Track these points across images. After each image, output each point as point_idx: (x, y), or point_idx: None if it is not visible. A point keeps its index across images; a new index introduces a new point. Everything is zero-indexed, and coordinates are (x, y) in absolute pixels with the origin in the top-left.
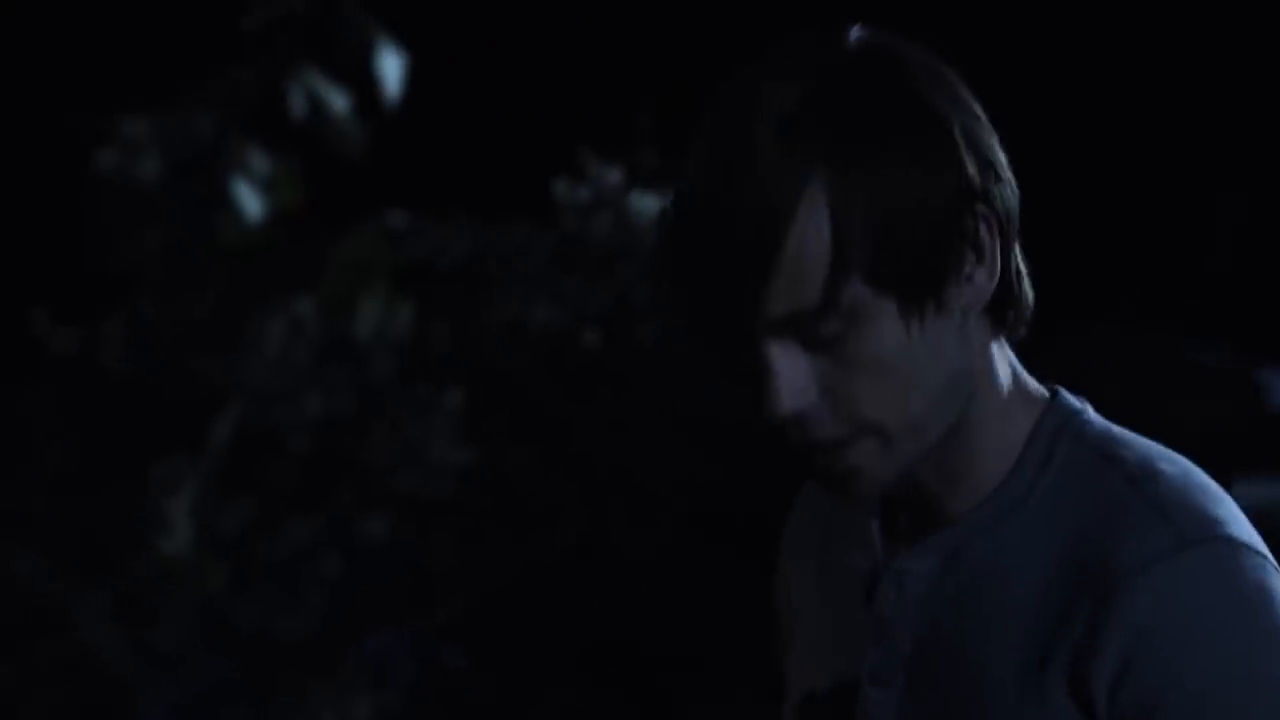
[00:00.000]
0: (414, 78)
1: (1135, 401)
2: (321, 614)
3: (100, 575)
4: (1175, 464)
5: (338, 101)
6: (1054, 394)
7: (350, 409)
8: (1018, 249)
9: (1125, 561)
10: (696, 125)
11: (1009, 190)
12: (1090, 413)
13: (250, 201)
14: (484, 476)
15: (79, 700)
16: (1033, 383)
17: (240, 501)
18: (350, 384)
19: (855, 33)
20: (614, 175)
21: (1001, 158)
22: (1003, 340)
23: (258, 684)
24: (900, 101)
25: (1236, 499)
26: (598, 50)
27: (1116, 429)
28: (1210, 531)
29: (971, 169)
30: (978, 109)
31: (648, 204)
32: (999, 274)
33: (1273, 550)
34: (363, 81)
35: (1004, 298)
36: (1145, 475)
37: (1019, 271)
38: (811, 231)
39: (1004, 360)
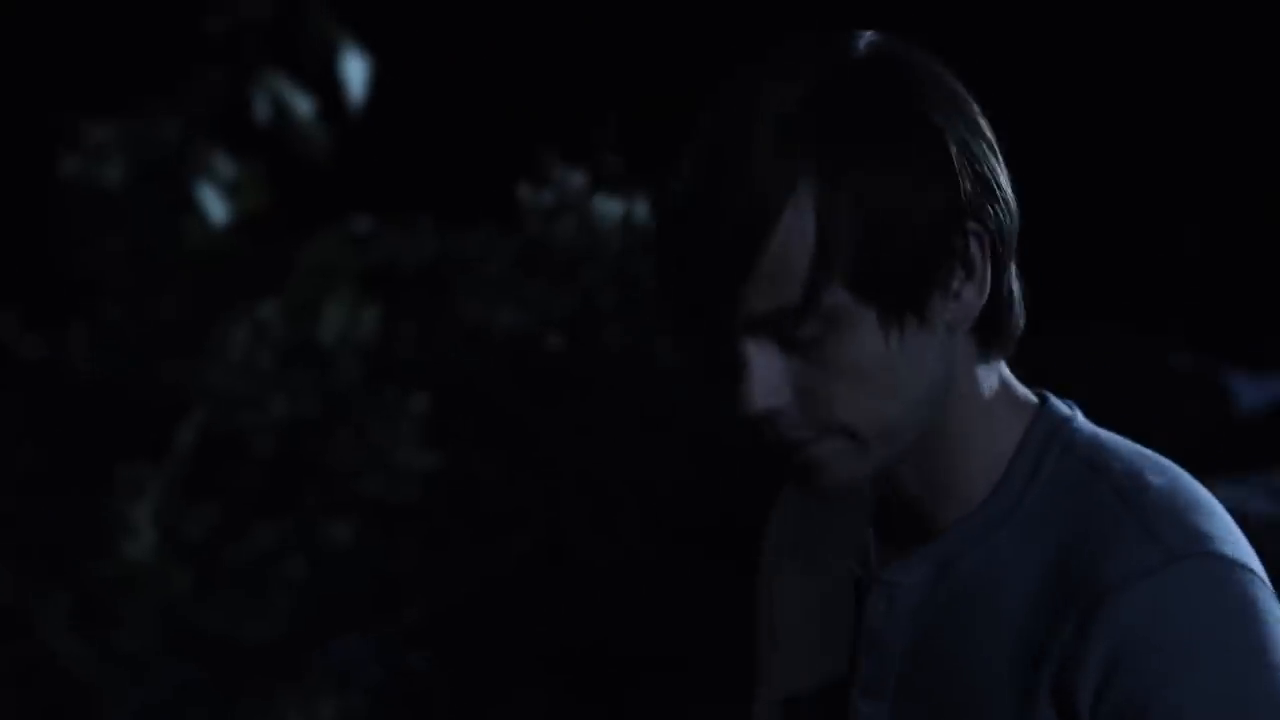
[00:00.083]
0: (378, 82)
1: (1105, 405)
2: (286, 618)
3: (63, 579)
4: (1164, 474)
5: (302, 106)
6: (1043, 400)
7: (315, 413)
8: (1013, 270)
9: (1111, 575)
10: (696, 117)
11: (1006, 210)
12: (1079, 419)
13: (215, 206)
14: (449, 481)
15: (41, 704)
16: (1022, 390)
17: (204, 506)
18: (315, 388)
19: (865, 38)
20: (577, 179)
21: (1002, 176)
22: (991, 357)
23: (222, 688)
24: (898, 111)
25: None
26: (561, 54)
27: (1105, 435)
28: (1197, 547)
29: (966, 184)
30: (983, 125)
31: (611, 208)
32: (988, 292)
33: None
34: (327, 86)
35: (993, 317)
36: (1134, 488)
37: (1011, 292)
38: (797, 231)
39: (991, 373)
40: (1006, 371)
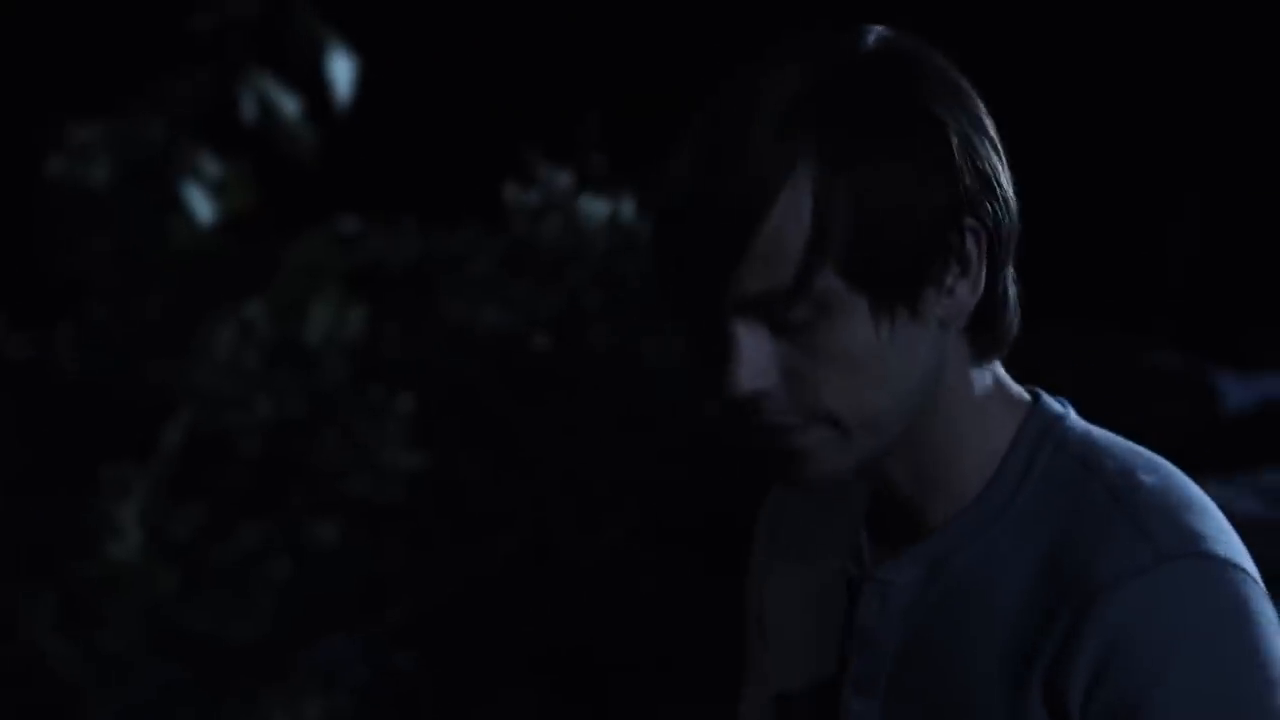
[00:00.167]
0: (364, 82)
1: (1091, 404)
2: (272, 618)
3: (49, 579)
4: (1157, 473)
5: (288, 105)
6: (1036, 398)
7: (301, 413)
8: (1010, 272)
9: (1103, 575)
10: (700, 103)
11: (1005, 208)
12: (1072, 417)
13: (201, 206)
14: (434, 481)
15: (27, 705)
16: (1015, 387)
17: (190, 506)
18: (301, 388)
19: (874, 31)
20: (563, 179)
21: (1003, 175)
22: (984, 357)
23: (208, 688)
24: (903, 103)
25: None
26: (546, 54)
27: (1098, 433)
28: (1190, 546)
29: (966, 180)
30: (987, 123)
31: (597, 208)
32: (983, 290)
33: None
34: (313, 85)
35: (987, 316)
36: (1126, 486)
37: (1007, 294)
38: (793, 213)
39: (984, 372)
40: (1000, 369)
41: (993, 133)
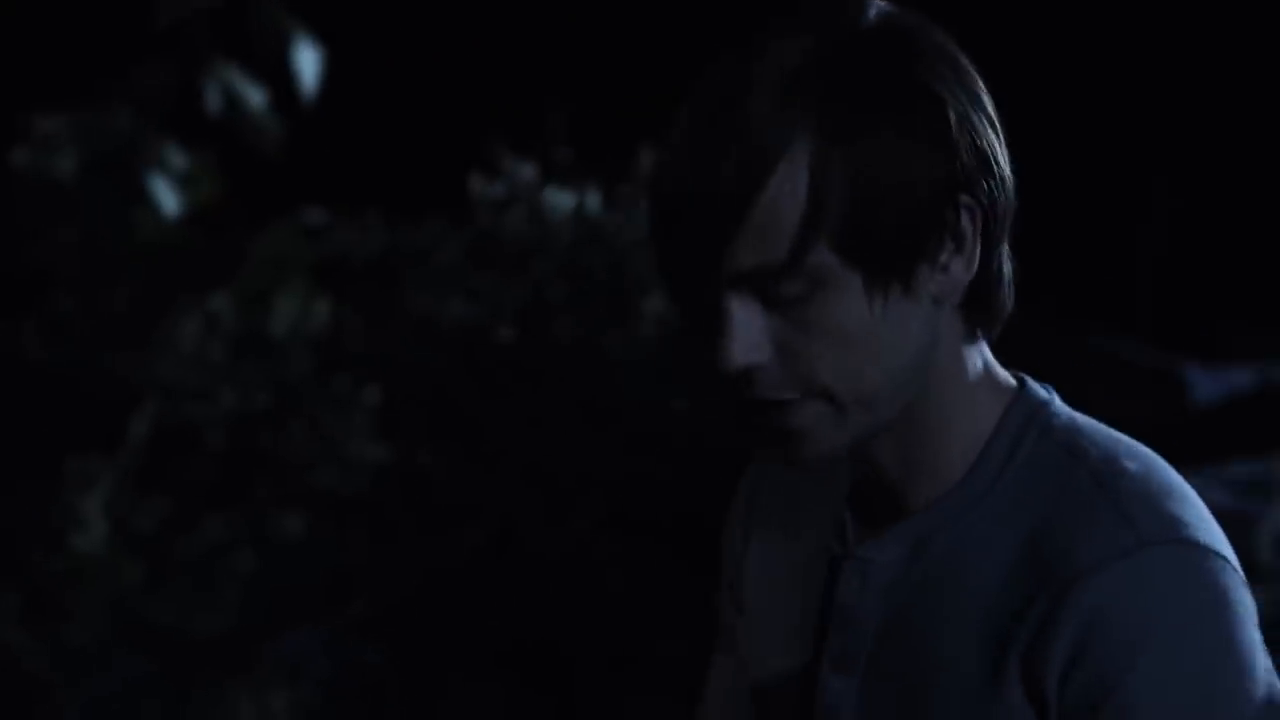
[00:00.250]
0: (330, 73)
1: (1061, 396)
2: (237, 610)
3: (13, 572)
4: (1140, 460)
5: (254, 97)
6: (1022, 383)
7: (266, 405)
8: (1006, 251)
9: (1084, 559)
10: (702, 70)
11: (1002, 187)
12: (1057, 403)
13: (167, 197)
14: (399, 473)
15: None
16: (1001, 372)
17: (155, 498)
18: (266, 380)
19: (876, 6)
20: (528, 171)
21: (1000, 154)
22: (976, 334)
23: (174, 681)
24: (902, 78)
25: None
26: (512, 47)
27: (1082, 420)
28: (1171, 533)
29: (963, 157)
30: (986, 101)
31: (562, 200)
32: (977, 268)
33: None
34: (279, 77)
35: (981, 294)
36: (1110, 473)
37: (1001, 272)
38: (788, 189)
39: (974, 352)
40: (988, 353)
41: (991, 110)
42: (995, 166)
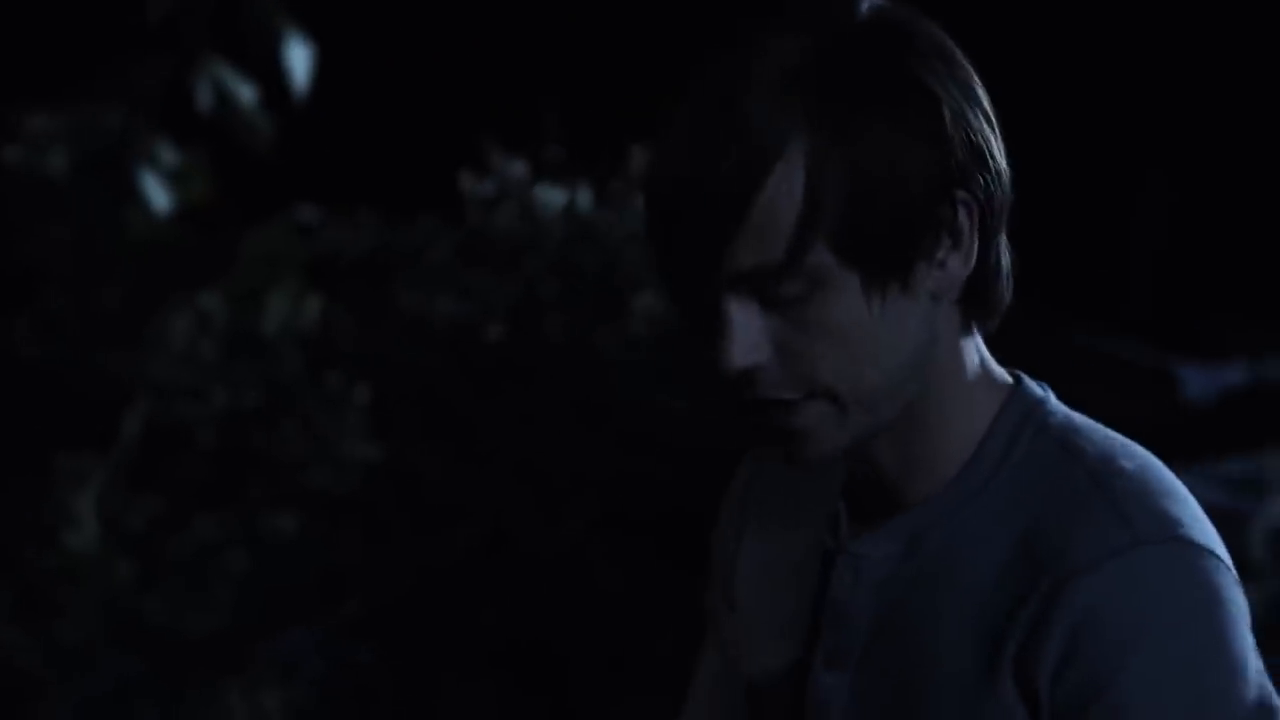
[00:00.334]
0: (322, 70)
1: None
2: (230, 610)
3: (6, 570)
4: (1136, 460)
5: (245, 94)
6: (1018, 381)
7: (258, 404)
8: (1003, 243)
9: (1079, 557)
10: (697, 68)
11: (997, 181)
12: (1052, 401)
13: (158, 195)
14: (390, 472)
15: None
16: (997, 369)
17: (147, 497)
18: (258, 379)
19: (870, 2)
20: (519, 168)
21: (996, 148)
22: (973, 329)
23: (166, 680)
24: (895, 74)
25: None
26: (503, 45)
27: (1078, 418)
28: (1167, 532)
29: (958, 152)
30: (981, 95)
31: (553, 197)
32: (975, 264)
33: None
34: (271, 74)
35: (979, 289)
36: (1106, 471)
37: (999, 265)
38: (785, 189)
39: (972, 348)
40: (985, 350)
41: (986, 104)
42: (991, 161)
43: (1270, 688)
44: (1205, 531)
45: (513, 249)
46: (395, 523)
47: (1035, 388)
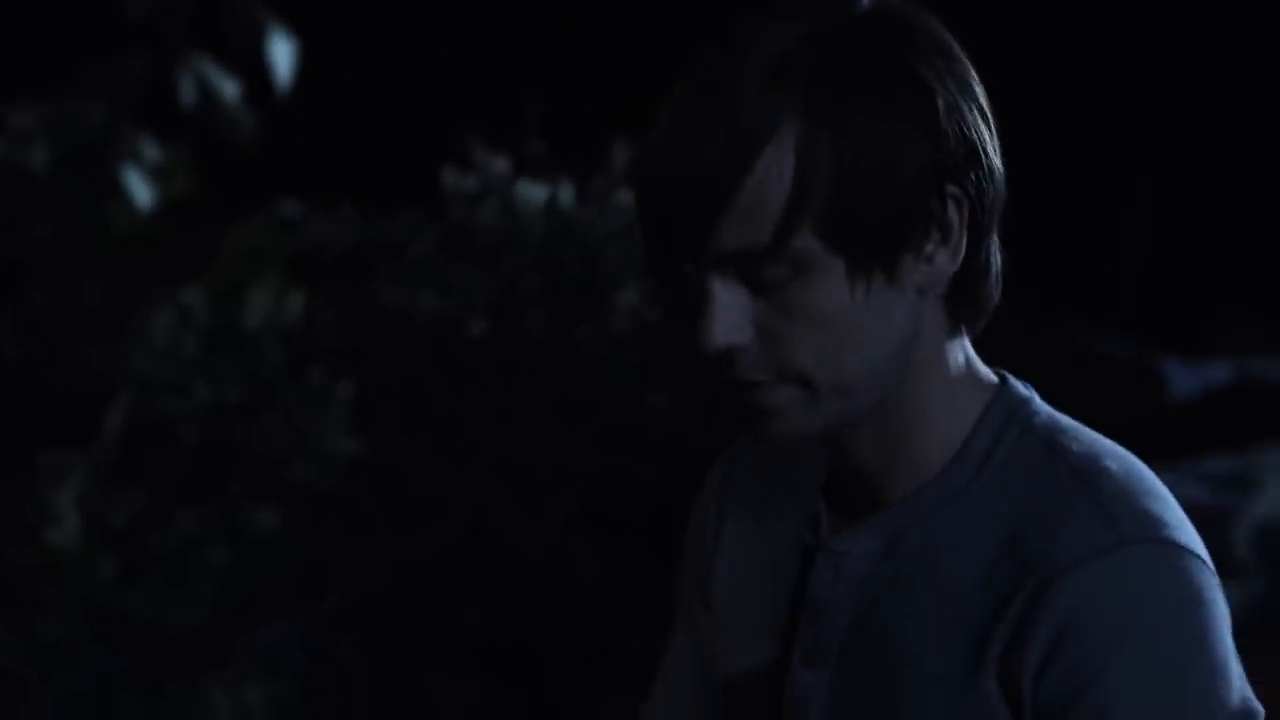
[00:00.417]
0: (304, 65)
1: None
2: (212, 605)
3: None
4: (1120, 460)
5: (228, 89)
6: (1003, 381)
7: (240, 399)
8: (995, 245)
9: (1064, 556)
10: (687, 58)
11: (990, 178)
12: (1037, 401)
13: (140, 190)
14: (372, 466)
15: None
16: (983, 368)
17: (129, 492)
18: (240, 374)
19: None
20: (501, 164)
21: (990, 145)
22: (960, 328)
23: (148, 676)
24: (891, 64)
25: None
26: (486, 40)
27: (1063, 418)
28: (1152, 533)
29: (950, 146)
30: (978, 91)
31: (535, 193)
32: (963, 261)
33: None
34: (253, 69)
35: (966, 288)
36: (1091, 471)
37: (988, 265)
38: (774, 171)
39: (957, 347)
40: (970, 349)
41: (983, 102)
42: (984, 158)
43: (1250, 690)
44: (1189, 533)
45: (494, 244)
46: (377, 517)
47: (1020, 388)
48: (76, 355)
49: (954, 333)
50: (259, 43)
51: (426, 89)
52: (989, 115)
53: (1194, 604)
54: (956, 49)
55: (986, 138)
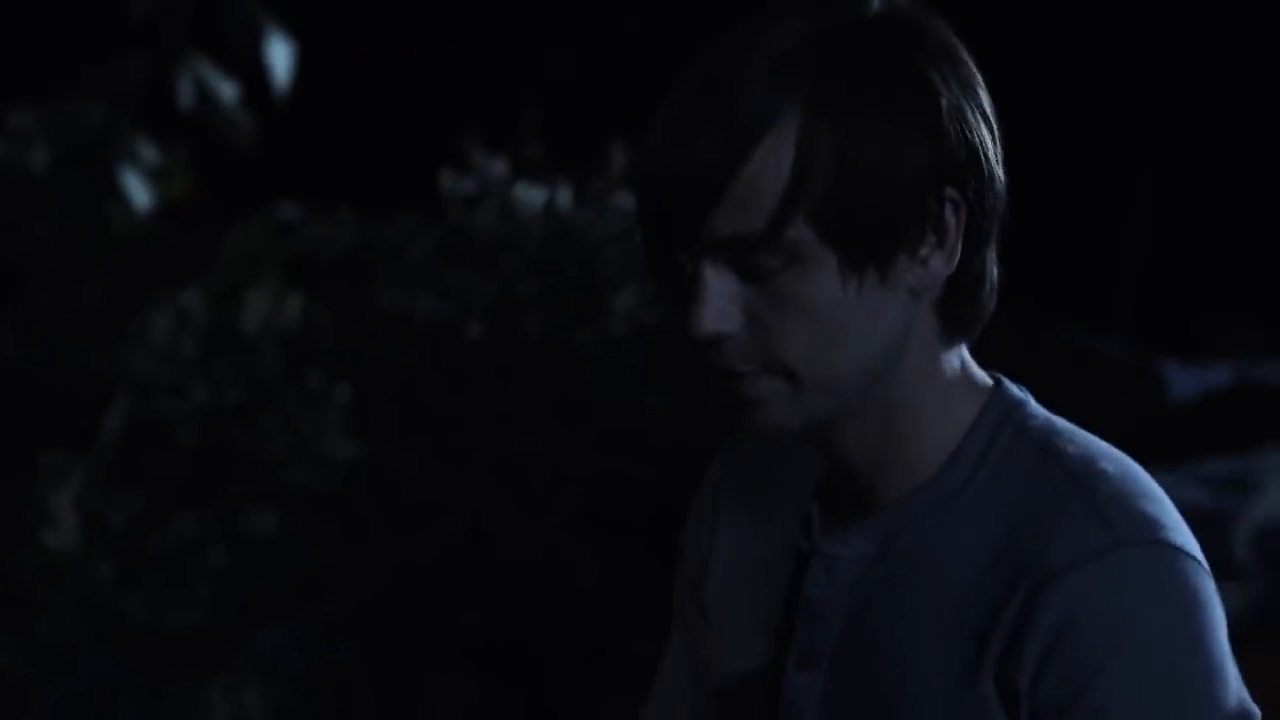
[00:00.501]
0: (303, 68)
1: (1036, 393)
2: (210, 607)
3: None
4: (1116, 462)
5: (226, 91)
6: (997, 383)
7: (238, 401)
8: (992, 255)
9: (1060, 558)
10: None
11: (990, 185)
12: (1032, 404)
13: (139, 192)
14: (369, 469)
15: None
16: (978, 372)
17: (128, 494)
18: (238, 376)
19: None
20: (499, 167)
21: (992, 151)
22: (954, 334)
23: (147, 678)
24: (896, 64)
25: None
26: (484, 43)
27: (1059, 421)
28: (1148, 534)
29: (951, 149)
30: (983, 97)
31: (533, 196)
32: (958, 266)
33: None
34: (252, 71)
35: (961, 294)
36: (1086, 473)
37: (984, 274)
38: (772, 161)
39: (951, 350)
40: (965, 352)
41: (987, 108)
42: (985, 164)
43: (1246, 692)
44: (1185, 535)
45: (492, 247)
46: (375, 520)
47: (1015, 390)
48: (75, 356)
49: (947, 338)
50: (257, 45)
51: (424, 91)
52: (993, 123)
53: (1190, 606)
54: (964, 54)
55: (989, 144)
